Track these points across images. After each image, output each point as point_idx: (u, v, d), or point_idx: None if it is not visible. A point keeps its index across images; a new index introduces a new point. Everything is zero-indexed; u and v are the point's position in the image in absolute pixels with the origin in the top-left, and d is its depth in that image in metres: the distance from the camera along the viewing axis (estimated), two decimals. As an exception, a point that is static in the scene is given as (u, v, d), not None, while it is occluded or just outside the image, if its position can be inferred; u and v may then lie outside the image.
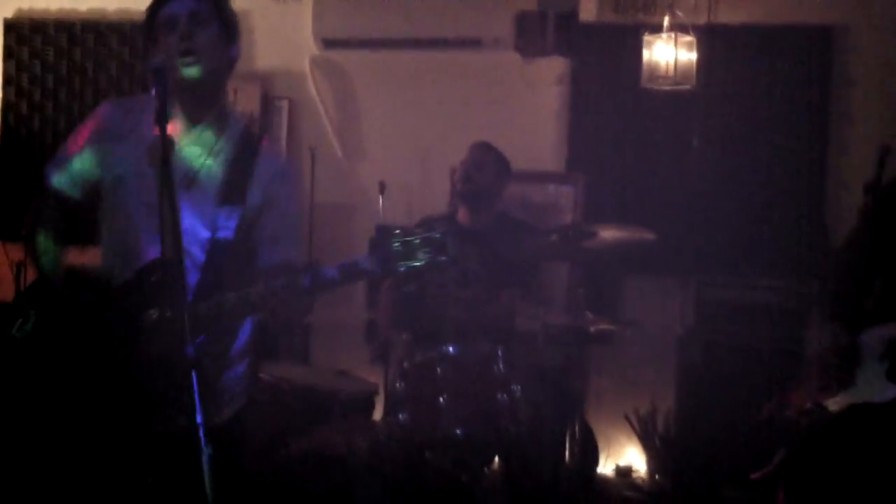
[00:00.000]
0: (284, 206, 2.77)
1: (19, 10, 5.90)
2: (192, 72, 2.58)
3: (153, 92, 2.42)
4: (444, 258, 2.47)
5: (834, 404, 3.06)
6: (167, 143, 2.34)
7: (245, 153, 2.71)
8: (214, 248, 2.65)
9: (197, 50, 2.58)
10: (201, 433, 2.14)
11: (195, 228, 2.61)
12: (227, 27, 2.70)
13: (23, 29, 5.87)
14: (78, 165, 2.71)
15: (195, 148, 2.67)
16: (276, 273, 2.59)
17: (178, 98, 2.64)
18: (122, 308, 2.51)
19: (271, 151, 2.85)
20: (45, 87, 5.87)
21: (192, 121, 2.67)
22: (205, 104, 2.68)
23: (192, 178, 2.65)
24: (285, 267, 2.66)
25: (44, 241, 2.67)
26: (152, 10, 2.67)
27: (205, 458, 2.12)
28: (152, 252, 2.55)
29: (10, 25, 5.89)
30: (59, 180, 2.72)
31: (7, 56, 5.89)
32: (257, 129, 2.83)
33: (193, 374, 2.17)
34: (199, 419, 2.15)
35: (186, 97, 2.65)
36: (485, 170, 4.50)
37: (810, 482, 3.07)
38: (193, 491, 2.14)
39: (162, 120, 2.37)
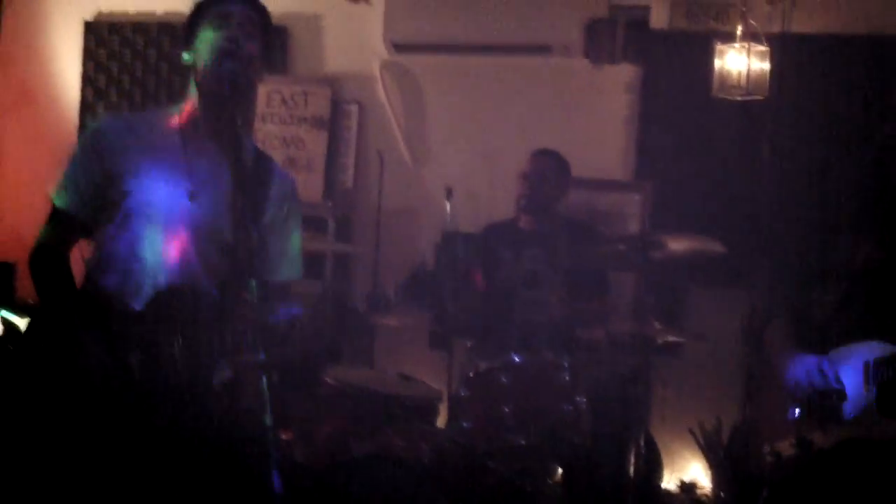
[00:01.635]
0: (292, 228, 2.78)
1: (99, 13, 6.01)
2: (230, 76, 2.53)
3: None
4: None
5: (820, 438, 2.86)
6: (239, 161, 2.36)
7: (260, 171, 2.68)
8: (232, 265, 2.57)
9: (240, 56, 2.54)
10: (270, 437, 2.16)
11: (209, 244, 2.58)
12: (268, 47, 2.67)
13: (101, 30, 5.99)
14: (89, 185, 2.62)
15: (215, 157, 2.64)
16: (279, 293, 2.68)
17: (203, 103, 2.62)
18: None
19: (282, 172, 2.84)
20: (121, 87, 5.98)
21: (215, 131, 2.63)
22: (230, 113, 2.62)
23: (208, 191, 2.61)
24: (284, 288, 2.74)
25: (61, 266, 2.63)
26: (203, 4, 2.63)
27: (273, 462, 2.15)
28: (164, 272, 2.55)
29: (89, 27, 6.01)
30: (68, 202, 2.62)
31: (86, 57, 6.01)
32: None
33: (263, 378, 2.20)
34: (268, 422, 2.17)
35: (211, 102, 2.60)
36: (545, 182, 4.49)
37: None
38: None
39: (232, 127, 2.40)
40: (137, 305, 2.47)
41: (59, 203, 2.62)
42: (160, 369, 2.35)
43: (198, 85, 2.62)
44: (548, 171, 4.52)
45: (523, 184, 4.53)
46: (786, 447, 2.91)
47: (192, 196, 2.57)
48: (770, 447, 2.98)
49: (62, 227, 2.64)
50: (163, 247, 2.55)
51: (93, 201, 2.61)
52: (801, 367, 2.96)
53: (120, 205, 2.58)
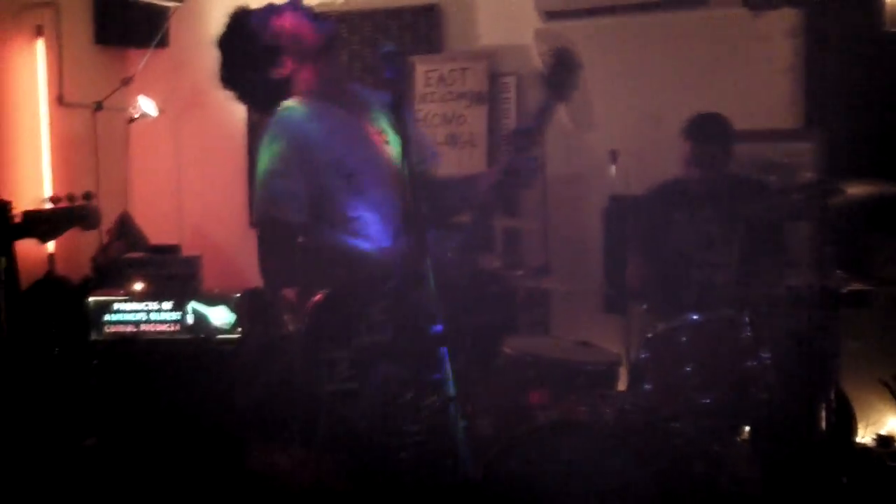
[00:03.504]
0: (414, 125, 3.14)
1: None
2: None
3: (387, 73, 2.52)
4: None
5: None
6: (406, 130, 2.44)
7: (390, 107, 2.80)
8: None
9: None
10: (453, 408, 2.21)
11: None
12: None
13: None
14: (303, 190, 2.71)
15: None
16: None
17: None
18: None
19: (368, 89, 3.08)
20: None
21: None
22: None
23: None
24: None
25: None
26: None
27: (460, 431, 2.19)
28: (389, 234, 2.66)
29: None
30: (295, 213, 2.70)
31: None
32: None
33: (444, 350, 2.25)
34: (451, 392, 2.22)
35: None
36: (708, 160, 4.36)
37: None
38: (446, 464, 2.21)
39: (399, 107, 2.47)
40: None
41: (287, 218, 2.69)
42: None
43: None
44: (708, 137, 4.38)
45: (686, 154, 4.41)
46: None
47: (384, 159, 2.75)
48: None
49: (293, 238, 2.70)
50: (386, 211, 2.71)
51: (308, 200, 2.72)
52: None
53: (344, 187, 2.71)
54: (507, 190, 2.91)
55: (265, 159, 2.71)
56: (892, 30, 4.60)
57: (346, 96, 2.88)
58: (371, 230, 2.72)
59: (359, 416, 2.54)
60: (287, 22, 2.83)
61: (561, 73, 2.88)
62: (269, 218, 2.70)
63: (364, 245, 2.70)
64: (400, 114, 2.51)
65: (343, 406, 2.56)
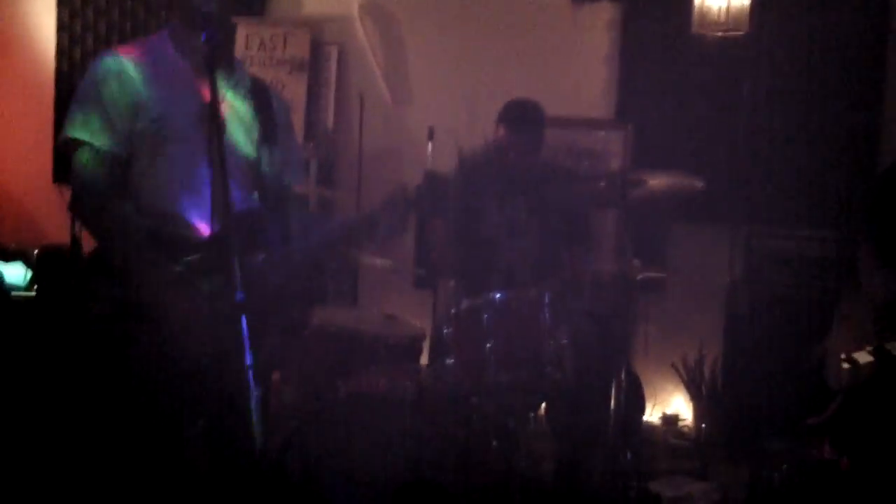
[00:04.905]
0: (291, 137, 2.98)
1: (72, -42, 5.94)
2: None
3: (203, 36, 2.45)
4: None
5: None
6: (216, 95, 2.38)
7: (259, 94, 2.77)
8: (269, 187, 2.78)
9: None
10: (250, 375, 2.19)
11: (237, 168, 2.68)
12: None
13: (74, -24, 5.93)
14: (119, 121, 2.59)
15: (222, 92, 2.67)
16: (298, 197, 2.92)
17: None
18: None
19: (272, 89, 2.95)
20: (97, 33, 5.93)
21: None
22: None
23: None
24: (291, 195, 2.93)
25: (118, 206, 2.60)
26: None
27: (253, 399, 2.18)
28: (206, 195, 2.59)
29: (62, -27, 5.95)
30: (105, 141, 2.59)
31: (61, 4, 5.95)
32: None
33: (243, 318, 2.22)
34: (248, 361, 2.20)
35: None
36: (522, 146, 4.43)
37: (863, 432, 3.01)
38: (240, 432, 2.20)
39: (212, 68, 2.41)
40: (193, 232, 2.58)
41: (94, 140, 2.57)
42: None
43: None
44: (522, 123, 4.44)
45: (499, 137, 4.46)
46: (862, 355, 3.02)
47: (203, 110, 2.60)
48: (846, 356, 3.07)
49: (105, 164, 2.58)
50: (197, 171, 2.61)
51: (125, 133, 2.59)
52: (882, 278, 3.07)
53: (147, 134, 2.60)
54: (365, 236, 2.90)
55: (82, 87, 2.63)
56: (700, 31, 4.80)
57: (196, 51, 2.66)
58: (173, 191, 2.62)
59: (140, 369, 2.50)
60: None
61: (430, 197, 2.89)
62: (78, 143, 2.59)
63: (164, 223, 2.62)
64: (212, 78, 2.44)
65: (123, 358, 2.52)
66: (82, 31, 5.95)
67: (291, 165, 2.94)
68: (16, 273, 4.66)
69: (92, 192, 2.59)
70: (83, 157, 2.58)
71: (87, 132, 2.58)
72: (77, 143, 2.58)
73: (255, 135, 2.76)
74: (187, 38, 2.66)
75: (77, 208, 2.68)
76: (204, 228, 2.59)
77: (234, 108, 2.73)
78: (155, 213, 2.60)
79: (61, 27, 5.97)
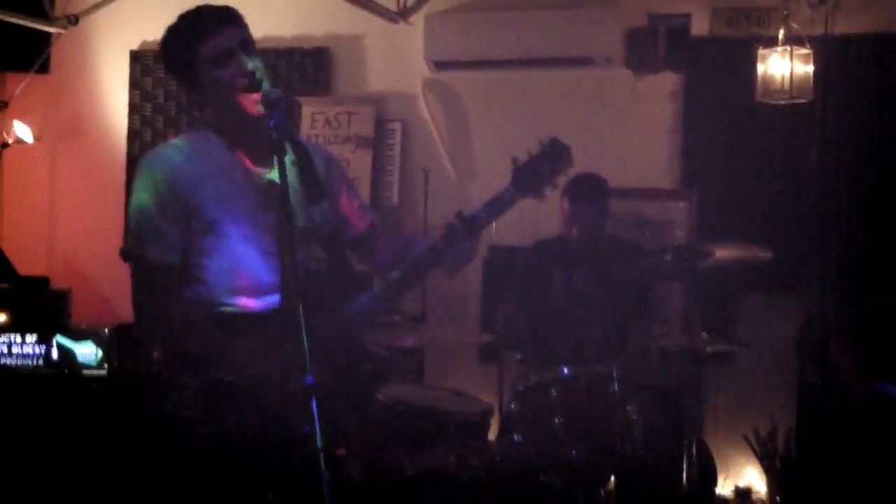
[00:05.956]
0: (349, 183, 2.98)
1: (144, 42, 6.12)
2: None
3: (271, 122, 2.50)
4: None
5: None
6: (285, 183, 2.41)
7: (300, 154, 2.70)
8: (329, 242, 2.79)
9: (260, 79, 2.58)
10: (322, 459, 2.19)
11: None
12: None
13: (147, 59, 6.10)
14: (173, 230, 2.61)
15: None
16: (369, 237, 2.96)
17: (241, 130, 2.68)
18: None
19: (311, 144, 3.03)
20: (167, 115, 6.10)
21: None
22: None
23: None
24: (374, 229, 2.98)
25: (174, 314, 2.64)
26: (193, 42, 2.63)
27: (325, 484, 2.18)
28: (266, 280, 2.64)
29: (135, 56, 6.13)
30: (159, 253, 2.60)
31: (133, 86, 6.13)
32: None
33: (314, 402, 2.23)
34: (318, 444, 2.21)
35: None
36: (587, 219, 4.46)
37: None
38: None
39: (281, 155, 2.46)
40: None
41: (145, 254, 2.61)
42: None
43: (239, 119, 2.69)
44: (587, 196, 4.47)
45: (565, 212, 4.50)
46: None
47: (263, 207, 2.65)
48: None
49: (165, 279, 2.62)
50: (253, 262, 2.65)
51: (178, 240, 2.62)
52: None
53: (203, 234, 2.63)
54: (442, 258, 2.85)
55: (134, 195, 2.67)
56: (763, 100, 4.79)
57: (242, 133, 2.71)
58: (233, 281, 2.66)
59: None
60: None
61: (545, 167, 2.90)
62: (134, 257, 2.65)
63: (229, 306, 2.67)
64: (280, 159, 2.49)
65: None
66: (153, 112, 6.12)
67: (362, 206, 2.99)
68: (88, 352, 4.75)
69: (148, 309, 2.64)
70: (137, 273, 2.65)
71: (138, 245, 2.62)
72: (130, 257, 2.65)
73: (302, 198, 2.70)
74: (236, 127, 2.71)
75: (137, 321, 2.74)
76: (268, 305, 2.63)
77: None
78: (215, 303, 2.66)
79: (133, 109, 6.14)
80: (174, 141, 2.79)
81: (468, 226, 2.86)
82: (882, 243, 4.96)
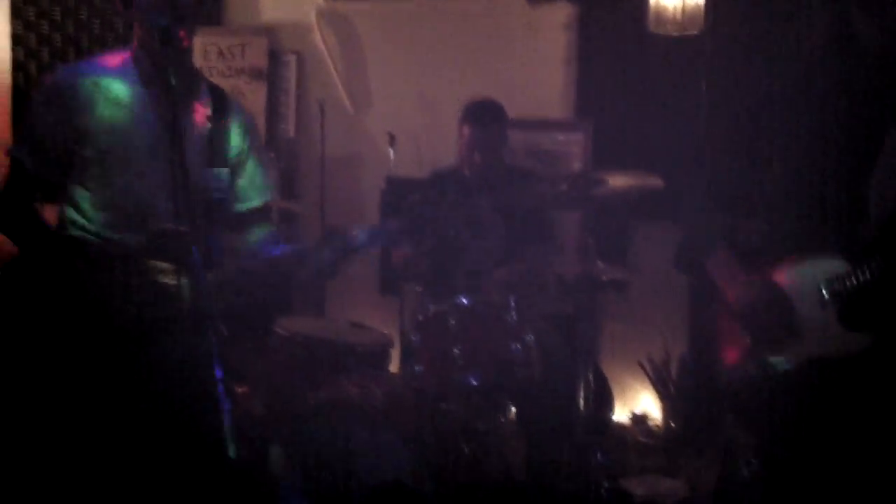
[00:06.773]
0: (259, 156, 2.93)
1: (25, -28, 5.87)
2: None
3: (161, 50, 2.44)
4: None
5: (783, 363, 2.78)
6: (177, 104, 2.37)
7: (219, 111, 2.75)
8: (210, 208, 2.74)
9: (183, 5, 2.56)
10: (220, 388, 2.18)
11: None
12: None
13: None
14: (53, 147, 2.63)
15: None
16: (256, 217, 2.88)
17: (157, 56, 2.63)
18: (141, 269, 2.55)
19: (239, 106, 2.93)
20: (53, 46, 5.87)
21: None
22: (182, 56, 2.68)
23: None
24: (265, 209, 2.93)
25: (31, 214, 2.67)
26: None
27: (225, 413, 2.17)
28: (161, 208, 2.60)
29: (15, -14, 5.88)
30: (32, 162, 2.64)
31: (14, 16, 5.88)
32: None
33: (211, 331, 2.22)
34: (218, 374, 2.19)
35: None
36: (487, 144, 4.46)
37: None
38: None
39: (166, 81, 2.40)
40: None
41: (24, 160, 2.63)
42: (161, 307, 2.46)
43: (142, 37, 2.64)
44: (486, 122, 4.48)
45: (464, 137, 4.49)
46: (745, 371, 2.90)
47: (160, 140, 2.61)
48: (728, 373, 2.99)
49: (26, 186, 2.66)
50: (141, 192, 2.62)
51: (60, 159, 2.63)
52: (749, 290, 2.98)
53: (92, 157, 2.61)
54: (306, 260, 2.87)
55: (35, 102, 2.67)
56: (656, 31, 4.83)
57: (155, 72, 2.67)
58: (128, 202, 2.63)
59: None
60: None
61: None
62: (12, 158, 2.63)
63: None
64: (169, 88, 2.44)
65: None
66: (38, 44, 5.89)
67: (256, 187, 2.94)
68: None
69: (8, 205, 2.65)
70: (11, 173, 2.65)
71: (23, 150, 2.63)
72: (12, 159, 2.64)
73: (209, 157, 2.74)
74: (147, 58, 2.66)
75: None
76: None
77: (195, 129, 2.73)
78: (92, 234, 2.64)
79: (16, 41, 5.90)
80: (93, 61, 2.75)
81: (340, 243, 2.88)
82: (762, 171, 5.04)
